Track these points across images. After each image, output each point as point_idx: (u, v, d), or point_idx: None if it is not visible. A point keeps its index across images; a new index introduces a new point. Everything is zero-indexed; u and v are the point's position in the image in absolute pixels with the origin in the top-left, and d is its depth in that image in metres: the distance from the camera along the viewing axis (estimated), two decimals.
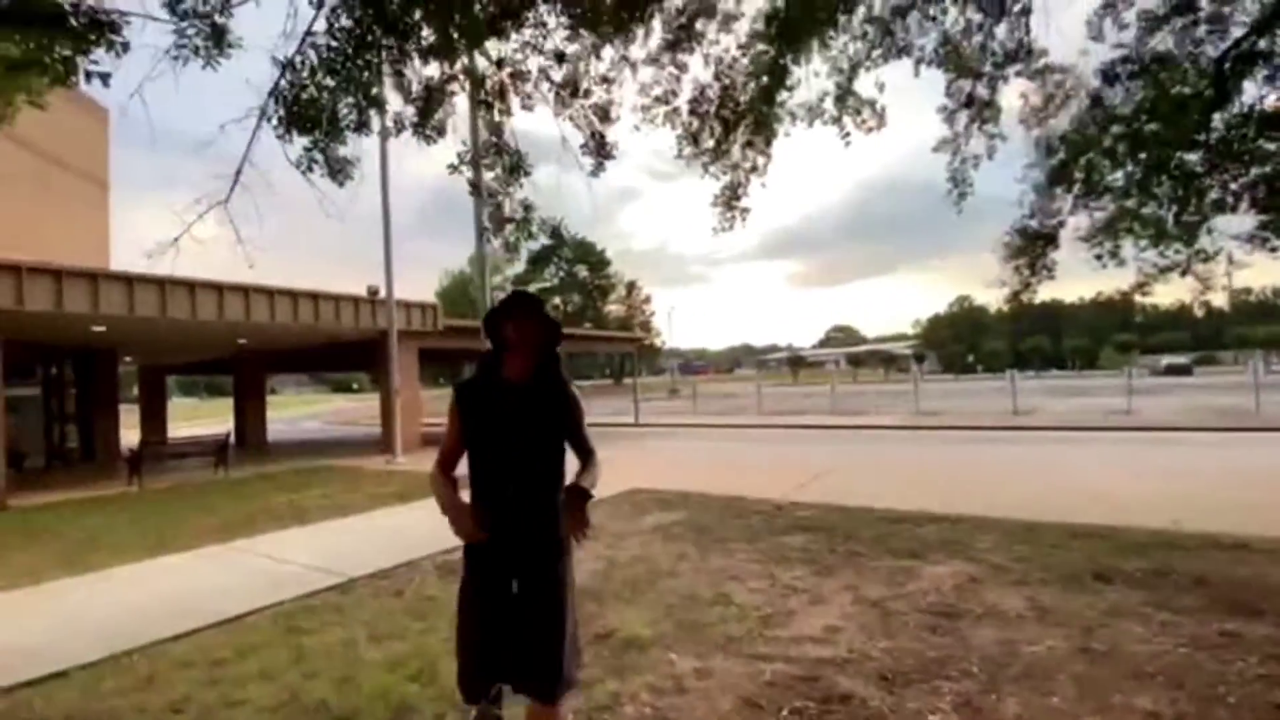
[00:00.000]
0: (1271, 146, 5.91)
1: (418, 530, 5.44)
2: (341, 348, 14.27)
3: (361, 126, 3.61)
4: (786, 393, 32.84)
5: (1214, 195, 6.17)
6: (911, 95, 7.04)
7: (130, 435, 14.27)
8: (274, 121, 3.38)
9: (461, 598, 1.78)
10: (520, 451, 1.72)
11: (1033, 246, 6.36)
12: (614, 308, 60.88)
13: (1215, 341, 44.51)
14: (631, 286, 60.33)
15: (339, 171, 3.60)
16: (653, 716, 2.35)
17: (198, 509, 7.05)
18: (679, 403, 27.55)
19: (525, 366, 1.77)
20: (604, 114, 4.27)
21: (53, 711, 2.58)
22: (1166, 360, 34.62)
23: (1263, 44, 5.46)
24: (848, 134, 6.48)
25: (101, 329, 10.28)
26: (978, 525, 4.90)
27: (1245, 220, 6.28)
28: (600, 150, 4.22)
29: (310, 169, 3.53)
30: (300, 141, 3.46)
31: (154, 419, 18.87)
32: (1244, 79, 5.46)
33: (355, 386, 61.35)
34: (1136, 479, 6.91)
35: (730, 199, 7.00)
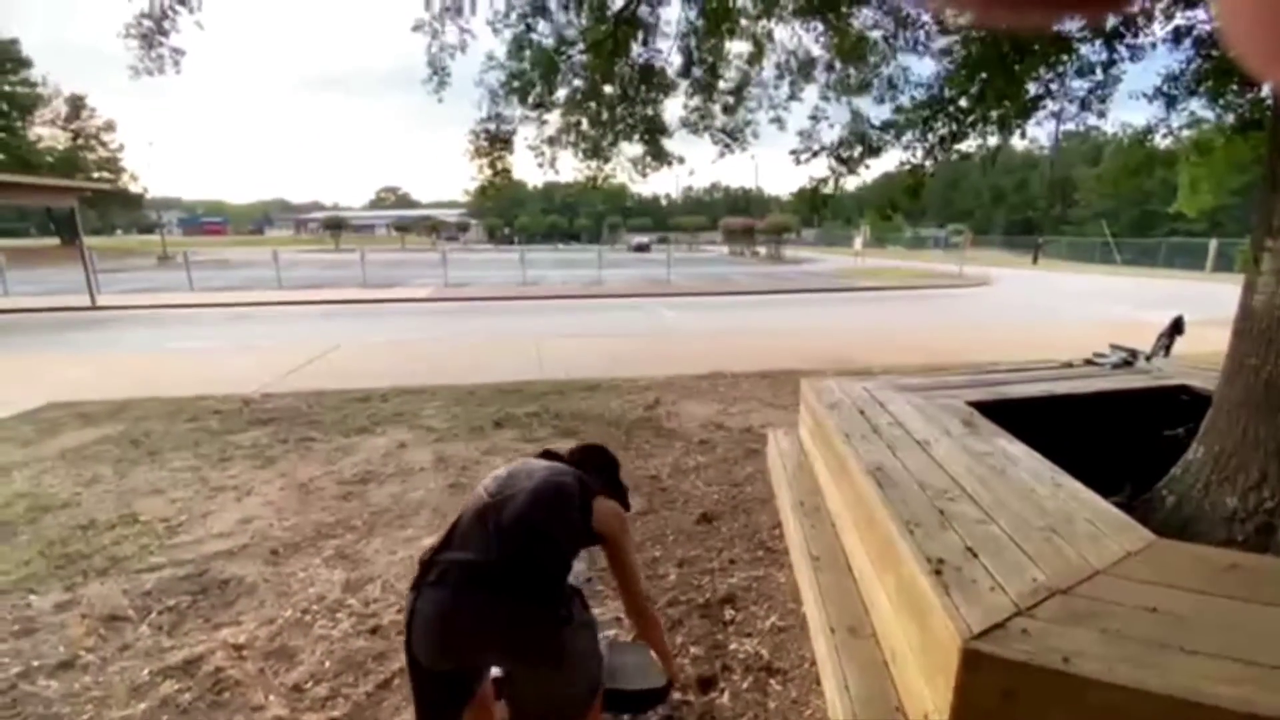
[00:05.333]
0: (652, 95, 8.03)
1: None
2: None
3: None
4: (321, 259, 30.07)
5: (620, 126, 8.12)
6: None
7: None
8: None
9: None
10: None
11: (492, 148, 7.29)
12: (45, 131, 42.27)
13: (666, 225, 60.88)
14: (79, 104, 42.64)
15: None
16: None
17: None
18: (170, 274, 22.08)
19: None
20: None
21: None
22: (635, 240, 45.45)
23: (643, 11, 7.19)
24: None
25: None
26: (434, 393, 5.82)
27: (638, 147, 8.51)
28: None
29: None
30: None
31: None
32: (630, 40, 7.14)
33: None
34: (592, 340, 9.21)
35: (155, 31, 5.64)
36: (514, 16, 7.17)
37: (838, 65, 7.61)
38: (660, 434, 4.61)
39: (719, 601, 2.45)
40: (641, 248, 41.69)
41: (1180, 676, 1.22)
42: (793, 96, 8.08)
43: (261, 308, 13.70)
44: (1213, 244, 23.97)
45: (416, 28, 6.90)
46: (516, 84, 7.02)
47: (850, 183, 5.69)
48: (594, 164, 8.34)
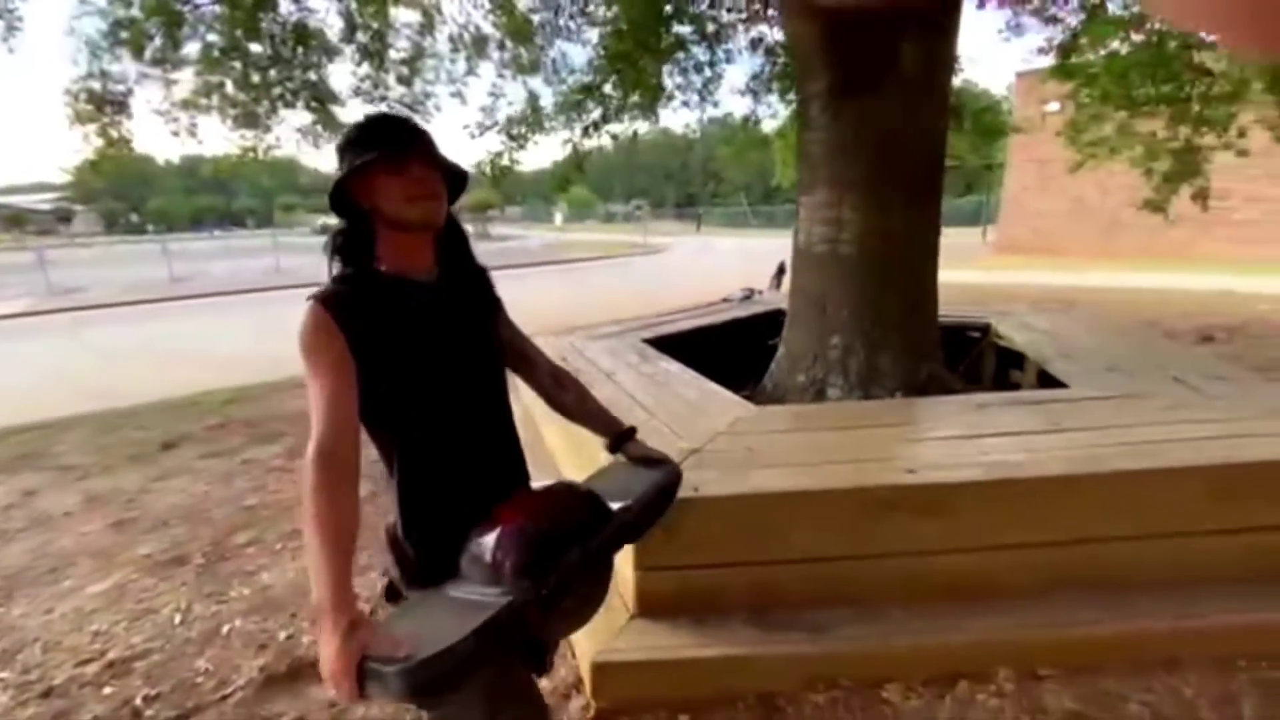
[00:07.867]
0: (312, 59, 7.24)
1: None
2: None
3: None
4: None
5: (279, 90, 7.17)
6: None
7: None
8: None
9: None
10: (483, 404, 1.11)
11: (100, 112, 5.83)
12: None
13: None
14: None
15: None
16: None
17: None
18: None
19: (429, 249, 1.07)
20: None
21: None
22: (321, 221, 40.40)
23: None
24: None
25: None
26: (68, 425, 4.65)
27: (307, 115, 7.63)
28: None
29: None
30: None
31: None
32: None
33: None
34: (261, 340, 8.05)
35: None
36: None
37: (509, 44, 7.92)
38: None
39: None
40: (328, 230, 36.93)
41: (757, 481, 1.89)
42: (470, 71, 8.15)
43: None
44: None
45: None
46: (126, 35, 5.70)
47: (543, 160, 6.10)
48: (250, 134, 7.25)
